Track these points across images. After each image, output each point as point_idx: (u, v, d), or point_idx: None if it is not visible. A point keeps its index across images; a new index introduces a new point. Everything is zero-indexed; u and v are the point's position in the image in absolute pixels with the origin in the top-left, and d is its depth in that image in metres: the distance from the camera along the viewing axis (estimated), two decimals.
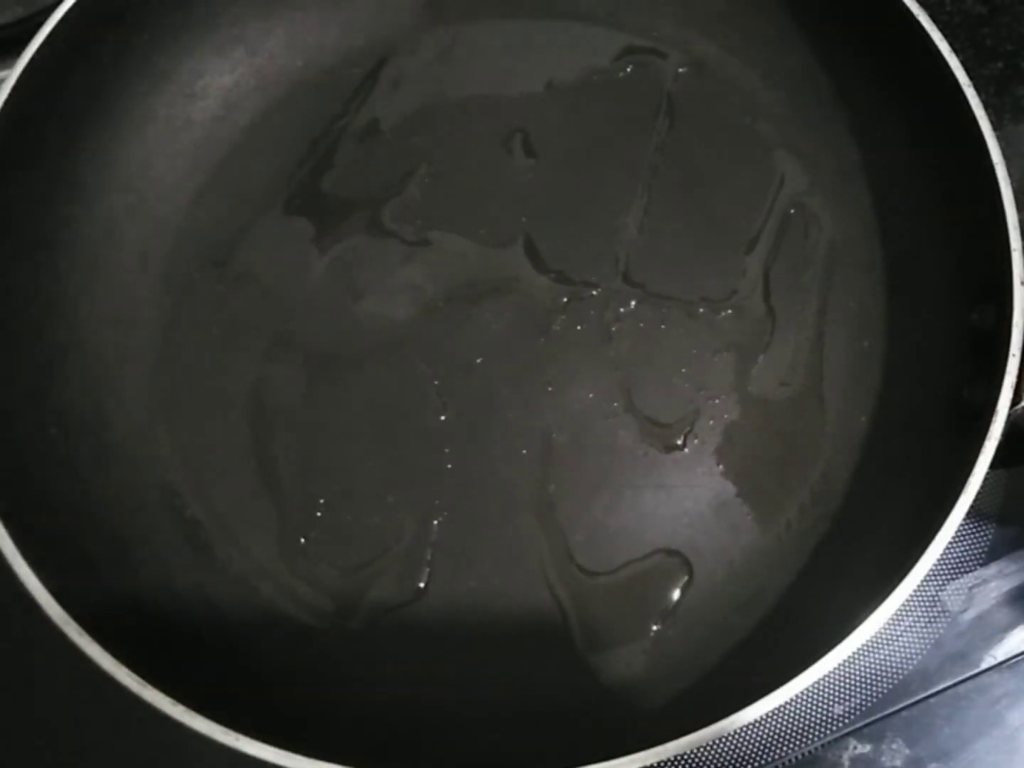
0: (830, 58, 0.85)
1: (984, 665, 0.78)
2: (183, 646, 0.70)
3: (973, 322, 0.71)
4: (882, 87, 0.82)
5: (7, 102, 0.76)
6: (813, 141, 0.86)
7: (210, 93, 0.90)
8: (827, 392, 0.79)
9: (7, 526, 0.65)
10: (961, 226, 0.74)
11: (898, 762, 0.76)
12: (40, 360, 0.77)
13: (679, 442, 0.79)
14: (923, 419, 0.73)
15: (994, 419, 0.64)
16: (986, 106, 0.73)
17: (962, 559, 0.82)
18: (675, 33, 0.91)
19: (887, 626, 0.70)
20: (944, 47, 0.75)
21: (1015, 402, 0.65)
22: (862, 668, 0.77)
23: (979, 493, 0.63)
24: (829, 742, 0.75)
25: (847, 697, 0.76)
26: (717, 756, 0.75)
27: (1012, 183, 0.70)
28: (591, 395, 0.80)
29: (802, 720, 0.76)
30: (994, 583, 0.81)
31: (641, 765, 0.58)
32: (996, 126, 0.73)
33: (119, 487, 0.76)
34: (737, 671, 0.68)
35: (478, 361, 0.80)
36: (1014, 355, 0.66)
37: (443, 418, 0.79)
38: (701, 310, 0.83)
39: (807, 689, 0.61)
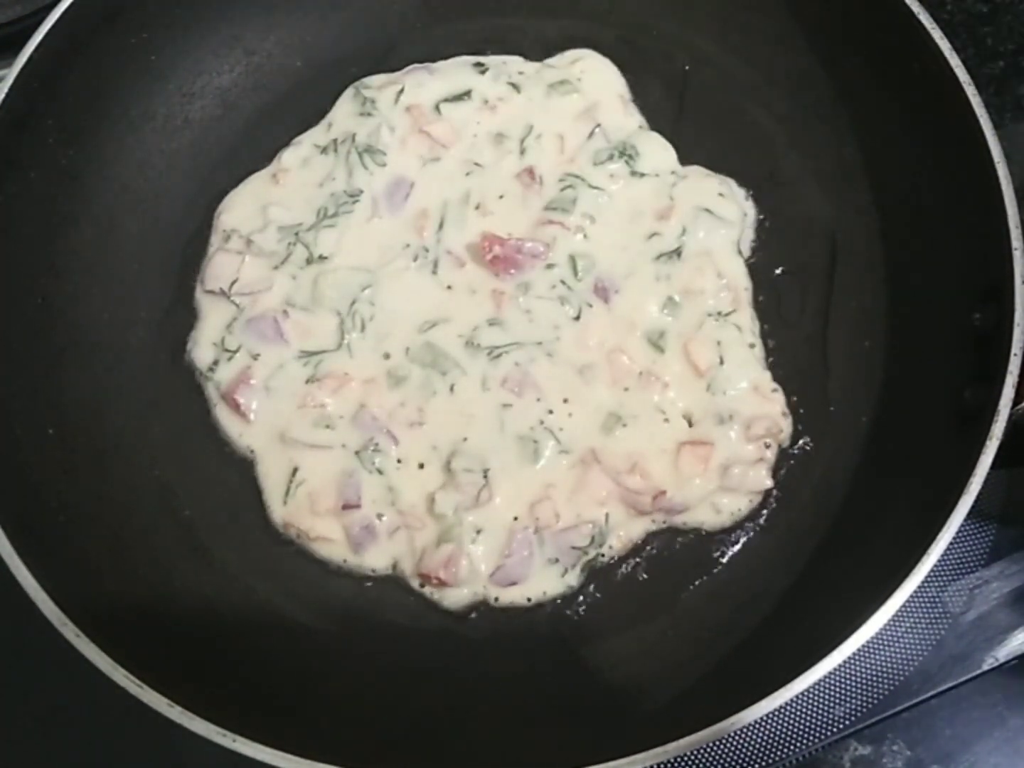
0: (830, 57, 0.85)
1: (985, 666, 0.78)
2: (181, 647, 0.69)
3: (975, 322, 0.70)
4: (883, 86, 0.81)
5: (5, 101, 0.76)
6: (814, 139, 0.86)
7: (208, 92, 0.90)
8: (829, 392, 0.79)
9: (4, 526, 0.65)
10: (962, 225, 0.74)
11: (899, 763, 0.75)
12: (39, 361, 0.77)
13: None
14: (924, 419, 0.73)
15: (996, 419, 0.64)
16: (987, 105, 0.73)
17: (963, 560, 0.81)
18: (675, 32, 0.91)
19: (888, 627, 0.70)
20: (945, 46, 0.75)
21: (1016, 402, 0.65)
22: (863, 669, 0.77)
23: (980, 494, 0.63)
24: (830, 744, 0.75)
25: (848, 698, 0.76)
26: (718, 757, 0.75)
27: (1013, 182, 0.70)
28: None
29: (802, 721, 0.76)
30: (995, 584, 0.81)
31: (642, 766, 0.58)
32: (997, 125, 0.73)
33: (116, 487, 0.76)
34: (737, 671, 0.68)
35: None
36: (1016, 355, 0.65)
37: None
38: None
39: (807, 690, 0.61)
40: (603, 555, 0.74)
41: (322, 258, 0.83)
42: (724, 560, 0.75)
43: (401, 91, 0.88)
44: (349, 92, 0.89)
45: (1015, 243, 0.68)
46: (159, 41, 0.87)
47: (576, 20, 0.92)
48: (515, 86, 0.88)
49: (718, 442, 0.76)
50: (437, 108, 0.87)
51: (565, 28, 0.92)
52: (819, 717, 0.76)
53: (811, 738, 0.75)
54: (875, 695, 0.76)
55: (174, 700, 0.61)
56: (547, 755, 0.63)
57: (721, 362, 0.78)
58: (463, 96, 0.88)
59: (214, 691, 0.66)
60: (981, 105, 0.72)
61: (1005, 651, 0.78)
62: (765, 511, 0.76)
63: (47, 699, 0.78)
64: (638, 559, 0.75)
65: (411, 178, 0.85)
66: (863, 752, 0.76)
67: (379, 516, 0.75)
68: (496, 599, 0.73)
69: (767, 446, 0.76)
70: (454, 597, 0.73)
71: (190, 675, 0.66)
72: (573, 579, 0.74)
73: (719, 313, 0.80)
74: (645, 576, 0.75)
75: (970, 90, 0.73)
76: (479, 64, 0.89)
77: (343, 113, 0.88)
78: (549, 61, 0.90)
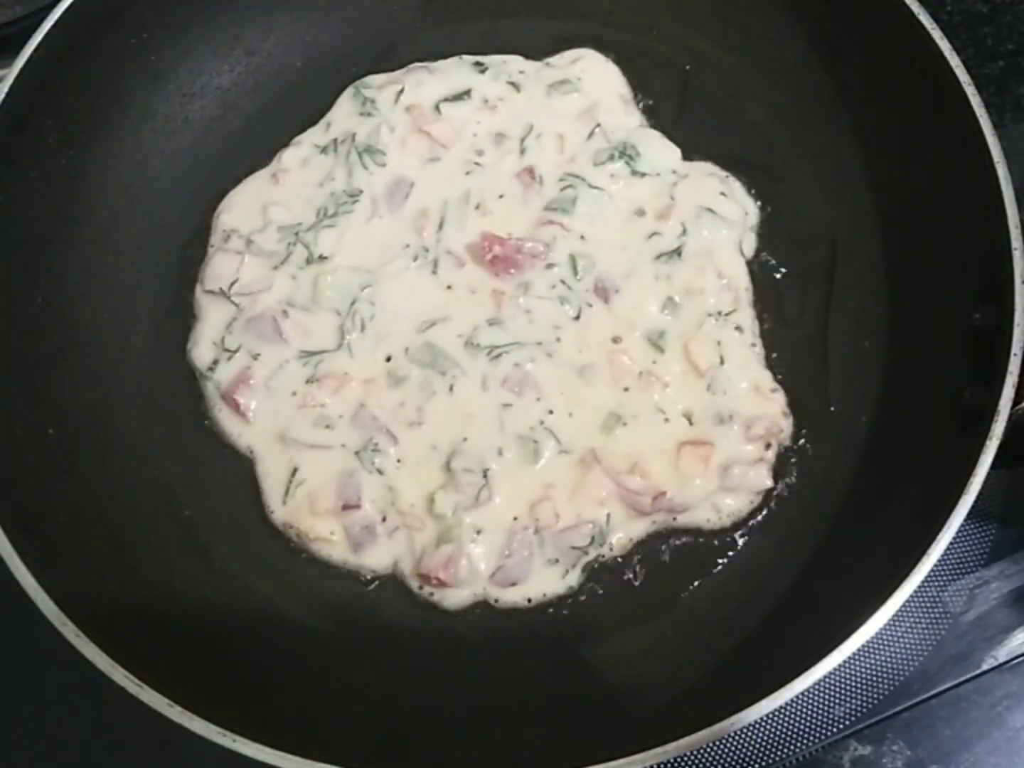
0: (830, 57, 0.85)
1: (985, 666, 0.78)
2: (181, 646, 0.69)
3: (975, 322, 0.70)
4: (883, 86, 0.81)
5: (5, 101, 0.76)
6: (814, 139, 0.86)
7: (208, 93, 0.90)
8: (829, 392, 0.79)
9: (5, 527, 0.65)
10: (962, 225, 0.74)
11: (899, 763, 0.75)
12: (39, 361, 0.77)
13: None
14: (924, 419, 0.73)
15: (996, 419, 0.64)
16: (987, 105, 0.73)
17: (963, 560, 0.81)
18: (675, 32, 0.91)
19: (888, 627, 0.70)
20: (945, 46, 0.75)
21: (1016, 402, 0.65)
22: (863, 669, 0.77)
23: (980, 494, 0.63)
24: (830, 743, 0.75)
25: (848, 698, 0.76)
26: (718, 757, 0.75)
27: (1013, 182, 0.70)
28: None
29: (803, 721, 0.75)
30: (995, 584, 0.81)
31: (642, 766, 0.58)
32: (997, 125, 0.72)
33: (116, 487, 0.76)
34: (737, 671, 0.68)
35: None
36: (1015, 355, 0.65)
37: None
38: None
39: (807, 690, 0.61)
40: (603, 555, 0.74)
41: (322, 258, 0.82)
42: (724, 560, 0.75)
43: (401, 91, 0.88)
44: (349, 92, 0.89)
45: (1015, 243, 0.68)
46: (159, 41, 0.86)
47: (576, 20, 0.92)
48: (515, 85, 0.88)
49: (718, 442, 0.76)
50: (437, 108, 0.87)
51: (565, 28, 0.92)
52: (819, 717, 0.75)
53: (811, 738, 0.75)
54: (875, 695, 0.76)
55: (174, 700, 0.61)
56: (547, 755, 0.63)
57: (721, 362, 0.78)
58: (463, 96, 0.88)
59: (214, 691, 0.65)
60: (981, 105, 0.72)
61: (1005, 651, 0.78)
62: (765, 511, 0.76)
63: (47, 699, 0.78)
64: (638, 559, 0.75)
65: (411, 178, 0.85)
66: (863, 752, 0.75)
67: (379, 516, 0.75)
68: (496, 600, 0.73)
69: (767, 446, 0.76)
70: (454, 598, 0.73)
71: (190, 674, 0.66)
72: (573, 579, 0.73)
73: (719, 313, 0.80)
74: (645, 576, 0.74)
75: (970, 90, 0.73)
76: (479, 64, 0.89)
77: (343, 113, 0.88)
78: (549, 60, 0.90)
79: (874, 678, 0.77)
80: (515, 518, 0.74)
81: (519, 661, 0.72)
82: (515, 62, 0.90)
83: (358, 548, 0.74)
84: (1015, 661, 0.78)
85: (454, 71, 0.89)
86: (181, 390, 0.81)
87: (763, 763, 0.74)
